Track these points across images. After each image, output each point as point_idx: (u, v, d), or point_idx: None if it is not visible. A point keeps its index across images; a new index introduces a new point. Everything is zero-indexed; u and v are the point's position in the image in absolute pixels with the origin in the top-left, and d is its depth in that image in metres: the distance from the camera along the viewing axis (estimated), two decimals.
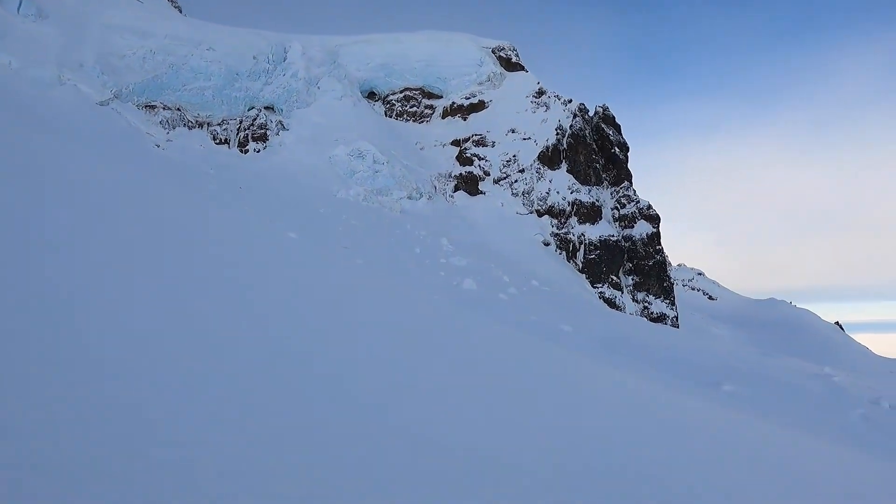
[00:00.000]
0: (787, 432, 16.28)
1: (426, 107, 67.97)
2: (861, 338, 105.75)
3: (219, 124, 53.93)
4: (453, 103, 67.49)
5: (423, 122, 67.38)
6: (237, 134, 53.99)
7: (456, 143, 63.55)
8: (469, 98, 67.70)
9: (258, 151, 52.52)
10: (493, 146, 62.99)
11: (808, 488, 9.58)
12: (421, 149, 62.40)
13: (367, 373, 5.19)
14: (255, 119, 54.40)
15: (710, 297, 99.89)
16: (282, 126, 54.61)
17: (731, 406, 18.98)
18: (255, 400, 3.57)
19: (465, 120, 66.47)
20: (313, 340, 5.77)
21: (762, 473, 9.05)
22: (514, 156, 61.87)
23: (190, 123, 52.43)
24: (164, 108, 51.37)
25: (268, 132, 53.88)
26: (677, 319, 60.71)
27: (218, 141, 53.13)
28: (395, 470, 3.30)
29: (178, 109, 52.19)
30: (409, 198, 49.85)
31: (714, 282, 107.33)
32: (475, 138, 63.41)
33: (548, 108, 65.30)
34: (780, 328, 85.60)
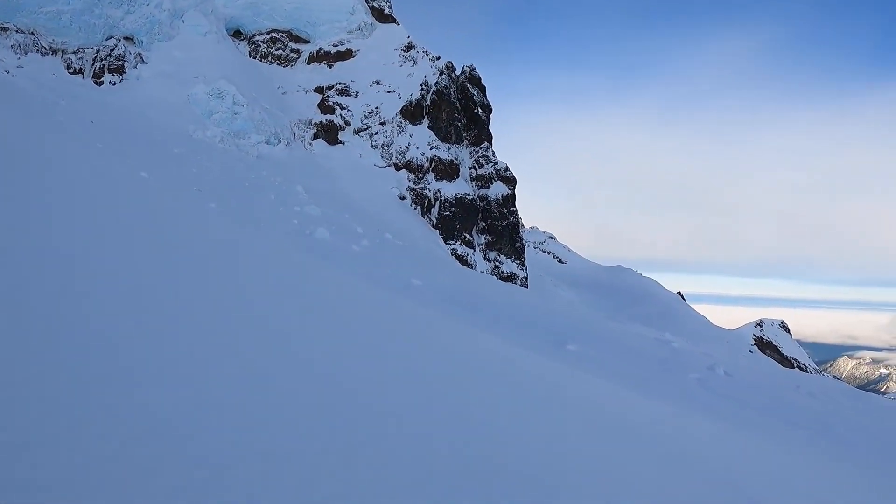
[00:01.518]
0: (627, 391, 17.20)
1: (292, 51, 66.56)
2: (701, 308, 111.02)
3: (74, 53, 51.17)
4: (320, 49, 66.32)
5: (287, 66, 65.96)
6: (93, 64, 51.33)
7: (319, 90, 62.56)
8: (337, 46, 66.69)
9: (114, 84, 50.23)
10: (356, 96, 62.42)
11: (644, 443, 10.24)
12: (283, 93, 61.22)
13: (209, 318, 5.27)
14: (112, 49, 51.92)
15: (560, 261, 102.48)
16: (140, 59, 52.35)
17: (575, 364, 19.82)
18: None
19: (330, 67, 65.49)
20: (159, 282, 5.80)
21: (599, 427, 9.52)
22: (376, 108, 61.54)
23: (44, 50, 49.62)
24: (16, 31, 48.33)
25: (125, 64, 51.53)
26: (527, 280, 62.21)
27: (72, 70, 50.53)
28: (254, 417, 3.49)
29: (33, 34, 49.21)
30: (267, 143, 48.97)
31: (565, 246, 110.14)
32: (339, 87, 62.65)
33: (415, 63, 65.12)
34: (626, 294, 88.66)
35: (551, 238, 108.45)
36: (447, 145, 61.15)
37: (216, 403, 3.20)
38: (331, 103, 60.88)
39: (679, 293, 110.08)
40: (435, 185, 58.37)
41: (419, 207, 57.33)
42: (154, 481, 2.36)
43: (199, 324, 4.82)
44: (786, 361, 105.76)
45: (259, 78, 59.83)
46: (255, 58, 65.00)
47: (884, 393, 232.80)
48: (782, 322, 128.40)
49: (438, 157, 59.26)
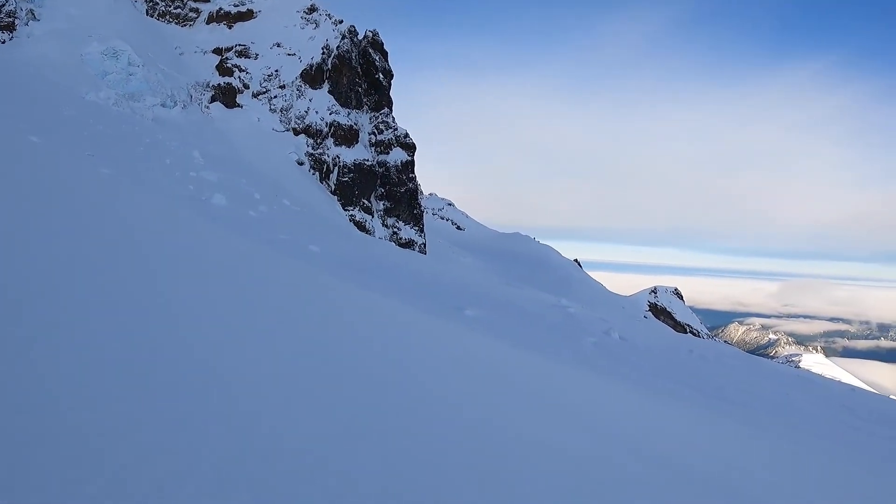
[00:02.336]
0: (525, 354, 17.69)
1: (191, 9, 64.65)
2: (597, 275, 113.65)
3: None
4: (220, 9, 64.57)
5: (186, 25, 64.15)
6: None
7: (218, 51, 61.07)
8: (238, 6, 65.09)
9: (3, 42, 48.34)
10: (255, 58, 61.26)
11: (540, 400, 10.70)
12: (181, 54, 59.45)
13: (92, 287, 5.42)
14: (2, 6, 49.85)
15: (459, 228, 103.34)
16: (32, 16, 50.28)
17: (473, 329, 20.22)
18: None
19: (230, 28, 64.02)
20: (48, 250, 5.90)
21: (496, 387, 9.85)
22: (276, 71, 60.64)
23: None
24: None
25: (16, 21, 49.51)
26: (425, 246, 62.67)
27: None
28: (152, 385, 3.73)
29: None
30: (163, 105, 47.73)
31: (463, 213, 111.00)
32: (238, 48, 61.32)
33: (317, 25, 64.22)
34: (523, 261, 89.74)
35: (450, 205, 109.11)
36: (347, 110, 60.91)
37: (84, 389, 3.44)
38: (229, 65, 59.62)
39: (576, 260, 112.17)
40: (334, 151, 58.13)
41: (318, 173, 57.02)
42: None
43: (80, 291, 5.01)
44: (679, 327, 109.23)
45: (156, 37, 58.11)
46: (152, 16, 63.00)
47: (772, 357, 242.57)
48: (676, 289, 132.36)
49: (338, 123, 59.02)
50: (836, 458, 26.59)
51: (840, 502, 15.93)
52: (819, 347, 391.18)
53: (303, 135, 58.12)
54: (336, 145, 58.44)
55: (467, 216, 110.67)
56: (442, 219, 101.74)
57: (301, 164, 56.20)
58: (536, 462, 6.41)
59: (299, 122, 58.48)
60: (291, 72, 60.75)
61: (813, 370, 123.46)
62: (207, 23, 64.51)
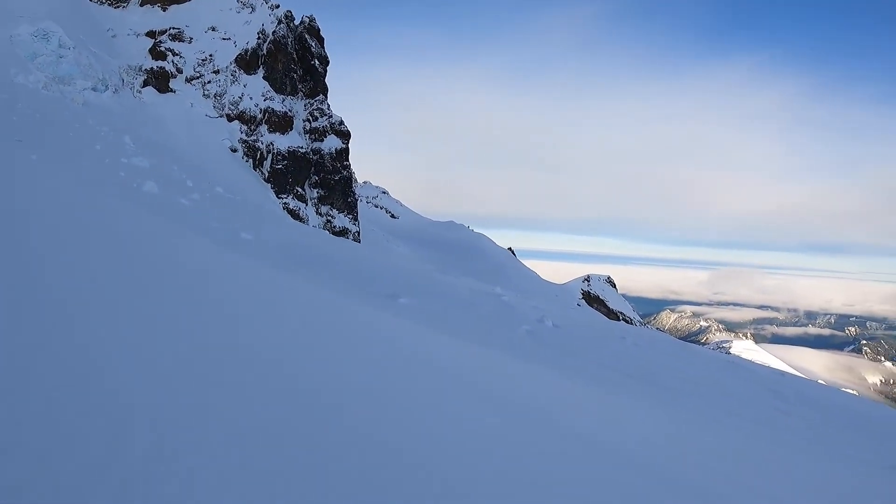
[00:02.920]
0: (459, 341, 17.88)
1: None
2: (531, 264, 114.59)
3: None
4: None
5: (119, 6, 62.56)
6: None
7: (151, 34, 59.83)
8: None
9: None
10: (189, 42, 60.38)
11: (471, 387, 10.94)
12: (113, 36, 58.16)
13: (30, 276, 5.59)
14: None
15: (393, 216, 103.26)
16: None
17: (407, 317, 20.39)
18: None
19: (164, 10, 62.76)
20: None
21: (429, 374, 10.11)
22: (210, 55, 59.88)
23: None
24: None
25: None
26: (359, 235, 62.62)
27: None
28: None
29: None
30: (94, 90, 46.73)
31: (398, 201, 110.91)
32: (172, 32, 60.23)
33: (253, 10, 63.46)
34: (457, 249, 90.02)
35: (384, 193, 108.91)
36: (282, 97, 60.52)
37: None
38: (163, 49, 58.60)
39: (510, 249, 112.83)
40: (268, 138, 57.75)
41: (251, 160, 56.64)
42: None
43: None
44: (612, 314, 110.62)
45: (88, 19, 56.77)
46: None
47: (704, 344, 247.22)
48: (609, 277, 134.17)
49: (272, 109, 58.65)
50: (765, 440, 27.38)
51: (768, 481, 16.57)
52: (749, 334, 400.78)
53: (236, 121, 57.61)
54: (270, 132, 58.05)
55: (401, 204, 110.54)
56: (376, 207, 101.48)
57: (234, 150, 55.76)
58: (465, 444, 6.72)
59: (233, 108, 57.92)
60: (226, 57, 60.08)
61: (743, 356, 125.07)
62: (141, 4, 63.07)
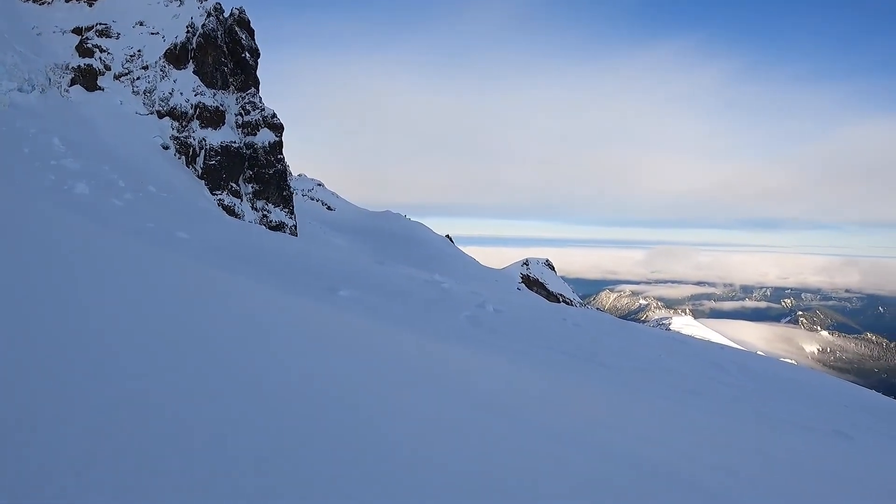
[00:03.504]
0: (401, 330, 18.03)
1: None
2: (469, 250, 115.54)
3: None
4: None
5: (43, 3, 60.60)
6: None
7: (77, 30, 58.31)
8: None
9: None
10: (117, 38, 59.02)
11: (415, 374, 11.05)
12: (38, 34, 56.51)
13: None
14: None
15: (329, 208, 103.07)
16: None
17: (349, 309, 20.43)
18: None
19: (90, 6, 61.00)
20: None
21: (372, 365, 10.15)
22: (139, 51, 58.75)
23: None
24: None
25: None
26: (296, 228, 62.40)
27: None
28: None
29: None
30: (20, 90, 45.50)
31: (333, 193, 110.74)
32: (99, 28, 58.74)
33: (182, 3, 62.12)
34: (395, 239, 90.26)
35: (320, 185, 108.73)
36: (213, 91, 59.72)
37: None
38: (90, 45, 57.18)
39: (448, 236, 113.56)
40: (200, 134, 56.96)
41: (184, 157, 55.78)
42: None
43: None
44: (552, 297, 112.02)
45: (11, 16, 55.13)
46: None
47: (644, 321, 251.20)
48: (547, 260, 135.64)
49: (204, 104, 57.87)
50: (709, 413, 28.01)
51: (720, 454, 16.92)
52: (687, 310, 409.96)
53: (167, 117, 56.65)
54: (202, 128, 57.26)
55: (337, 196, 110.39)
56: (312, 199, 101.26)
57: (166, 148, 54.94)
58: (406, 431, 6.88)
59: (163, 104, 57.00)
60: (155, 52, 58.93)
61: (683, 332, 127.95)
62: (66, 0, 61.61)
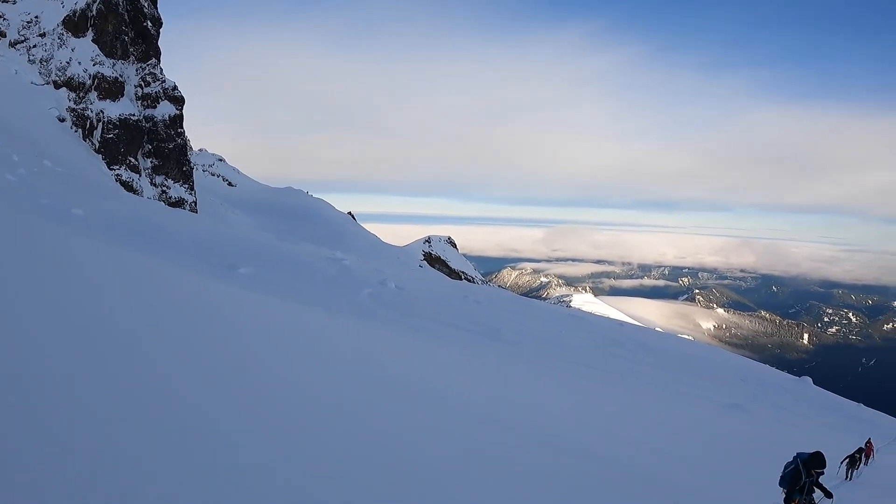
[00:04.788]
0: (303, 308, 18.13)
1: None
2: (371, 227, 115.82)
3: None
4: None
5: None
6: None
7: None
8: None
9: None
10: (13, 3, 57.11)
11: (316, 352, 11.25)
12: None
13: None
14: None
15: (230, 184, 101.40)
16: None
17: (249, 287, 20.30)
18: None
19: None
20: None
21: (271, 343, 10.50)
22: (36, 17, 56.82)
23: None
24: None
25: None
26: (196, 205, 61.64)
27: None
28: None
29: None
30: None
31: (235, 168, 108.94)
32: None
33: None
34: (297, 215, 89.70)
35: (221, 160, 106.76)
36: (112, 61, 58.18)
37: None
38: None
39: (350, 213, 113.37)
40: (98, 106, 55.52)
41: (80, 130, 54.36)
42: None
43: None
44: (454, 274, 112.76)
45: None
46: None
47: (545, 299, 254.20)
48: (449, 238, 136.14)
49: (102, 75, 56.41)
50: (612, 387, 28.75)
51: (622, 425, 17.56)
52: (588, 287, 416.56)
53: (64, 88, 55.04)
54: (100, 99, 55.87)
55: (239, 172, 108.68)
56: (213, 175, 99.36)
57: (63, 120, 53.40)
58: (306, 406, 7.29)
59: (60, 73, 55.31)
60: (53, 18, 57.06)
61: (583, 309, 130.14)
62: None
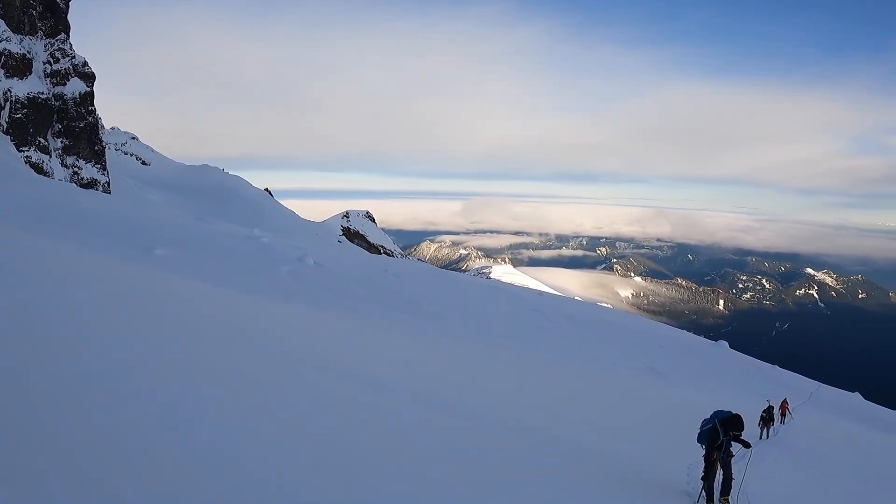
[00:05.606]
0: (221, 289, 18.03)
1: None
2: (289, 203, 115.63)
3: None
4: None
5: None
6: None
7: None
8: None
9: None
10: None
11: (234, 333, 11.31)
12: None
13: None
14: None
15: (144, 163, 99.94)
16: None
17: (166, 269, 20.06)
18: None
19: None
20: None
21: (188, 326, 10.47)
22: None
23: None
24: None
25: None
26: (109, 185, 60.27)
27: None
28: None
29: None
30: None
31: (148, 147, 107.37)
32: None
33: None
34: (213, 194, 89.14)
35: (134, 139, 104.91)
36: (19, 37, 56.13)
37: None
38: None
39: (266, 189, 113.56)
40: (5, 84, 53.43)
41: None
42: None
43: None
44: (373, 248, 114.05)
45: None
46: None
47: (464, 271, 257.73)
48: (368, 213, 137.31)
49: (9, 51, 54.28)
50: (532, 355, 28.99)
51: (540, 395, 17.86)
52: (507, 259, 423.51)
53: None
54: (7, 77, 53.78)
55: (153, 150, 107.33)
56: (126, 154, 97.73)
57: None
58: (222, 387, 7.45)
59: None
60: None
61: (503, 280, 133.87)
62: None
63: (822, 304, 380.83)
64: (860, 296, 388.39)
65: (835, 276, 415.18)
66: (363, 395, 9.97)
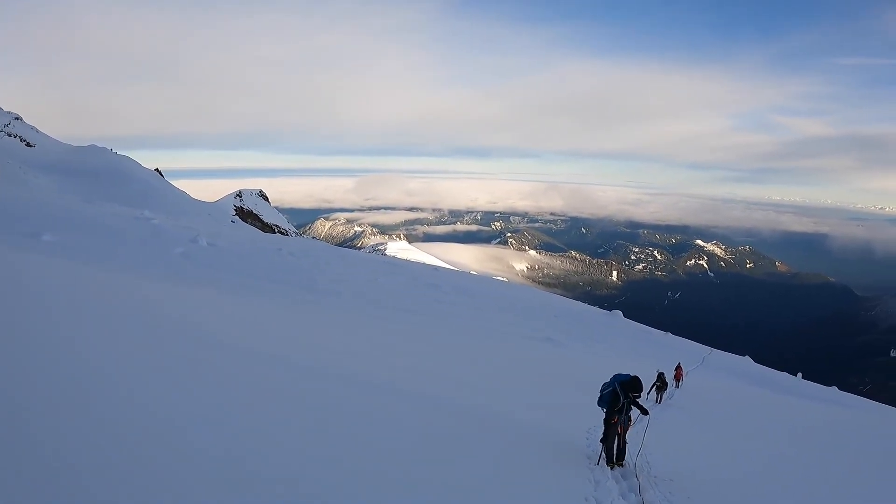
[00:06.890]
0: (112, 276, 18.34)
1: None
2: (180, 183, 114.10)
3: None
4: None
5: None
6: None
7: None
8: None
9: None
10: None
11: (131, 319, 11.55)
12: None
13: None
14: None
15: (29, 144, 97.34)
16: None
17: (55, 255, 20.28)
18: None
19: None
20: None
21: (84, 316, 10.59)
22: None
23: None
24: None
25: None
26: None
27: None
28: None
29: None
30: None
31: (33, 127, 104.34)
32: None
33: None
34: (102, 175, 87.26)
35: (17, 119, 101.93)
36: None
37: None
38: None
39: (157, 170, 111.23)
40: None
41: None
42: None
43: None
44: (267, 228, 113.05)
45: None
46: None
47: (360, 248, 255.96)
48: (261, 191, 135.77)
49: None
50: (427, 326, 29.71)
51: (444, 365, 18.72)
52: (402, 235, 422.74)
53: None
54: None
55: (38, 131, 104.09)
56: (9, 136, 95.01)
57: None
58: (121, 369, 7.86)
59: None
60: None
61: (398, 256, 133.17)
62: None
63: (712, 274, 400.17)
64: (748, 265, 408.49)
65: (723, 247, 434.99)
66: (257, 368, 10.29)
